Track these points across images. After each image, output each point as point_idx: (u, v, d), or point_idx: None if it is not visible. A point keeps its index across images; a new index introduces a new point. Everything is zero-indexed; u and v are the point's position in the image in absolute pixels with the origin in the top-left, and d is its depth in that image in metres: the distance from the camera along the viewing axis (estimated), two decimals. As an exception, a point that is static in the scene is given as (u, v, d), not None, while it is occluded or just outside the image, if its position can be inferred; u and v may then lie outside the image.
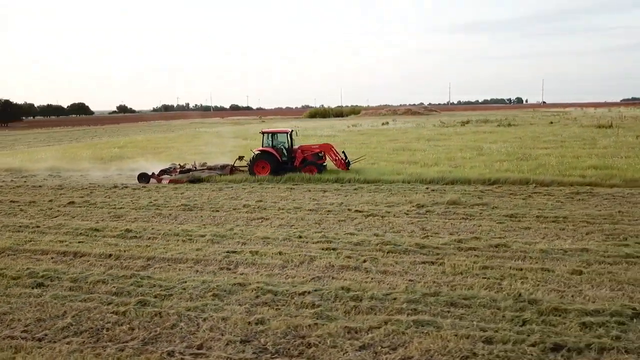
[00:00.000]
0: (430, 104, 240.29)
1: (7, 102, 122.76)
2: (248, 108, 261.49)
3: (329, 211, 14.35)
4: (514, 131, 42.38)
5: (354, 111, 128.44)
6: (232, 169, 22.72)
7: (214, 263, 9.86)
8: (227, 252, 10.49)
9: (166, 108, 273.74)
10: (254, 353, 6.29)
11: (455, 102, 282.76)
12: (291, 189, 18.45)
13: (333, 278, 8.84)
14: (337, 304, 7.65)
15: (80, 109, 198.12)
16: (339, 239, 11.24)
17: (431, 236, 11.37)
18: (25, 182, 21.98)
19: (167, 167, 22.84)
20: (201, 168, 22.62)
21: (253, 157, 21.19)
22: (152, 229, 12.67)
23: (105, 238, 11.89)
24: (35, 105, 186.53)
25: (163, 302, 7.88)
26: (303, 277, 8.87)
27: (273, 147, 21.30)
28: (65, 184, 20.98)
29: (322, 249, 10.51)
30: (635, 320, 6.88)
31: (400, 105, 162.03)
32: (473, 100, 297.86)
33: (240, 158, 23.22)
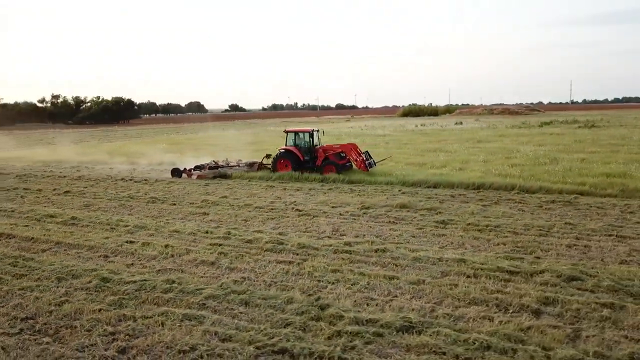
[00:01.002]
0: (550, 103, 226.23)
1: (129, 101, 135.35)
2: (354, 107, 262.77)
3: (271, 209, 14.63)
4: (586, 133, 38.97)
5: (449, 110, 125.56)
6: (260, 166, 23.56)
7: (103, 251, 10.71)
8: (126, 241, 11.30)
9: (275, 107, 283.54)
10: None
11: (580, 100, 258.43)
12: (271, 187, 18.93)
13: (178, 271, 9.25)
14: (144, 293, 8.08)
15: (195, 108, 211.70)
16: (241, 236, 11.54)
17: (329, 237, 11.28)
18: (60, 172, 24.69)
19: (204, 163, 23.91)
20: (229, 165, 23.51)
21: (276, 156, 21.79)
22: (97, 218, 13.90)
23: (48, 224, 13.32)
24: (157, 104, 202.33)
25: (13, 281, 8.85)
26: (150, 269, 9.39)
27: (296, 146, 21.62)
28: (87, 176, 23.29)
29: (211, 244, 10.92)
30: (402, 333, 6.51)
31: (516, 104, 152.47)
32: (602, 99, 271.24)
33: (268, 156, 23.91)
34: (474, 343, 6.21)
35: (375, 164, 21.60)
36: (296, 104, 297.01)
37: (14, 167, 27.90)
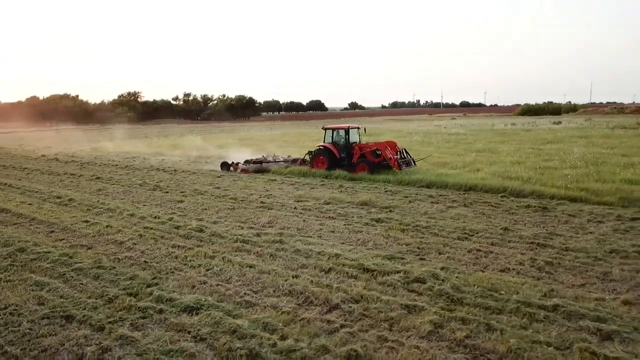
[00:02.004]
0: None
1: (251, 99, 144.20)
2: (479, 105, 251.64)
3: (241, 201, 15.43)
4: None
5: (574, 108, 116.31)
6: (302, 162, 24.48)
7: (55, 227, 12.36)
8: (84, 221, 12.89)
9: (395, 105, 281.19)
10: None
11: None
12: (273, 180, 19.77)
13: (85, 246, 10.51)
14: (33, 262, 9.40)
15: (316, 106, 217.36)
16: (178, 222, 12.49)
17: (252, 227, 11.83)
18: (119, 162, 27.77)
19: (254, 158, 25.03)
20: (275, 160, 24.34)
21: (314, 152, 22.10)
22: (90, 200, 15.82)
23: (47, 203, 15.53)
24: (280, 102, 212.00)
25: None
26: (69, 243, 10.81)
27: (333, 143, 21.68)
28: (135, 165, 25.96)
29: (144, 227, 12.09)
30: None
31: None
32: None
33: (310, 152, 24.73)
34: (235, 330, 6.46)
35: (414, 163, 21.07)
36: (418, 101, 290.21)
37: (95, 156, 31.87)
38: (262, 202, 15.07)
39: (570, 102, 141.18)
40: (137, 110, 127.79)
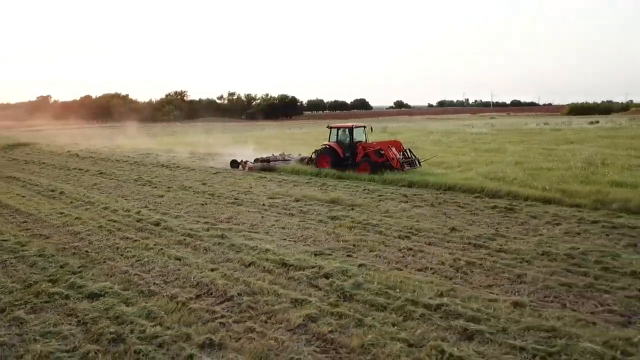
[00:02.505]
0: None
1: (293, 99, 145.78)
2: (532, 104, 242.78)
3: (217, 197, 15.87)
4: None
5: (626, 108, 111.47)
6: (309, 161, 24.70)
7: (30, 217, 13.24)
8: (60, 213, 13.69)
9: (442, 104, 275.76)
10: None
11: None
12: (264, 177, 20.18)
13: (38, 235, 11.18)
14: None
15: (360, 105, 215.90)
16: (143, 217, 13.04)
17: (206, 222, 12.23)
18: (132, 159, 28.89)
19: (265, 156, 24.83)
20: (283, 159, 24.39)
21: (319, 151, 21.95)
22: (78, 193, 16.71)
23: (40, 195, 16.57)
24: (325, 101, 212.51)
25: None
26: (26, 232, 11.52)
27: (338, 142, 21.45)
28: (143, 162, 26.96)
29: (108, 220, 12.72)
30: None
31: None
32: None
33: (316, 151, 24.90)
34: (118, 316, 6.83)
35: (419, 163, 20.54)
36: (467, 100, 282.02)
37: (113, 153, 33.28)
38: (235, 198, 15.45)
39: (631, 101, 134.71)
40: (183, 109, 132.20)
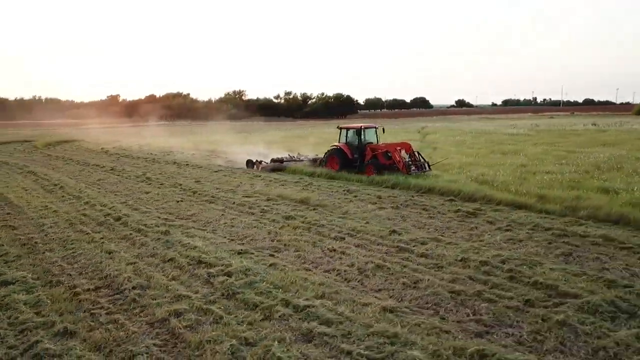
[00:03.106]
0: None
1: (348, 97, 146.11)
2: (607, 103, 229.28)
3: (198, 194, 16.40)
4: None
5: None
6: (321, 162, 24.74)
7: (12, 207, 14.23)
8: (44, 206, 14.66)
9: (506, 102, 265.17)
10: None
11: None
12: (258, 176, 20.59)
13: (9, 227, 12.09)
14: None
15: (420, 103, 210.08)
16: (111, 212, 13.73)
17: (159, 217, 12.75)
18: (149, 156, 30.13)
19: (281, 156, 24.94)
20: (295, 159, 24.22)
21: (328, 152, 21.64)
22: (72, 189, 17.74)
23: (40, 189, 17.78)
24: (383, 100, 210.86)
25: None
26: (1, 222, 12.48)
27: (347, 143, 20.97)
28: (160, 159, 28.08)
29: (80, 214, 13.51)
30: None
31: None
32: None
33: (327, 152, 24.98)
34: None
35: (429, 167, 19.34)
36: (535, 99, 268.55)
37: (140, 150, 34.85)
38: (212, 196, 15.91)
39: None
40: (240, 108, 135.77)
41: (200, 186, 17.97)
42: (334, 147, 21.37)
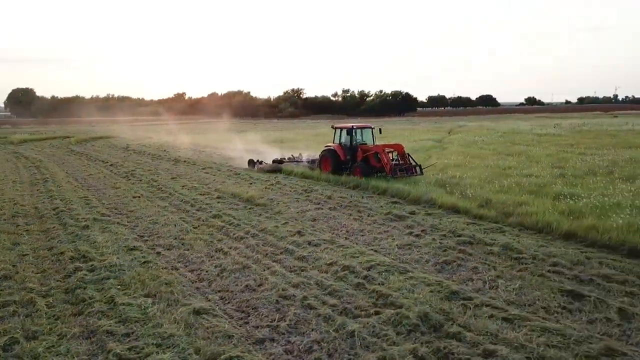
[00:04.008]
0: None
1: (407, 95, 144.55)
2: None
3: (159, 189, 17.00)
4: None
5: None
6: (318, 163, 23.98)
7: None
8: (14, 196, 15.71)
9: (581, 100, 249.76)
10: None
11: None
12: (238, 174, 20.92)
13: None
14: None
15: (486, 101, 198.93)
16: (60, 206, 14.38)
17: (101, 214, 13.32)
18: (161, 154, 31.23)
19: (284, 157, 24.59)
20: (293, 160, 23.74)
21: (321, 154, 20.37)
22: (59, 182, 18.80)
23: (34, 181, 18.94)
24: (447, 97, 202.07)
25: None
26: None
27: (340, 144, 19.57)
28: (167, 156, 29.06)
29: (34, 207, 14.32)
30: None
31: None
32: None
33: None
34: None
35: (421, 170, 17.89)
36: (616, 96, 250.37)
37: (157, 147, 36.21)
38: (170, 193, 16.40)
39: None
40: (298, 106, 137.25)
41: (172, 183, 18.51)
42: (327, 147, 20.10)
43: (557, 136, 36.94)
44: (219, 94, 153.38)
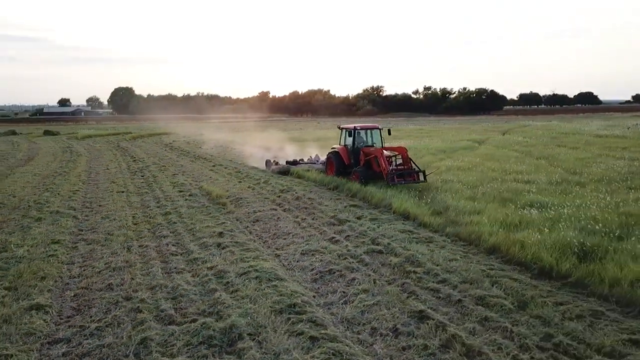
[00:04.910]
0: None
1: (493, 92, 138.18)
2: None
3: (149, 184, 17.60)
4: None
5: None
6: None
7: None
8: (17, 186, 17.06)
9: None
10: None
11: None
12: (239, 172, 21.20)
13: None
14: None
15: (586, 99, 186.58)
16: (55, 196, 15.48)
17: (78, 203, 14.09)
18: (196, 151, 32.29)
19: (300, 158, 24.04)
20: (308, 162, 23.04)
21: (327, 157, 19.30)
22: (72, 175, 20.13)
23: (46, 173, 20.46)
24: (541, 95, 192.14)
25: None
26: None
27: (346, 146, 18.37)
28: (194, 154, 30.02)
29: (20, 199, 15.43)
30: None
31: None
32: None
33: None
34: None
35: (424, 177, 16.12)
36: None
37: (188, 143, 37.47)
38: (156, 188, 16.99)
39: None
40: (376, 104, 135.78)
41: (168, 179, 19.16)
42: (333, 150, 18.83)
43: (620, 138, 33.43)
44: (300, 92, 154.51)
